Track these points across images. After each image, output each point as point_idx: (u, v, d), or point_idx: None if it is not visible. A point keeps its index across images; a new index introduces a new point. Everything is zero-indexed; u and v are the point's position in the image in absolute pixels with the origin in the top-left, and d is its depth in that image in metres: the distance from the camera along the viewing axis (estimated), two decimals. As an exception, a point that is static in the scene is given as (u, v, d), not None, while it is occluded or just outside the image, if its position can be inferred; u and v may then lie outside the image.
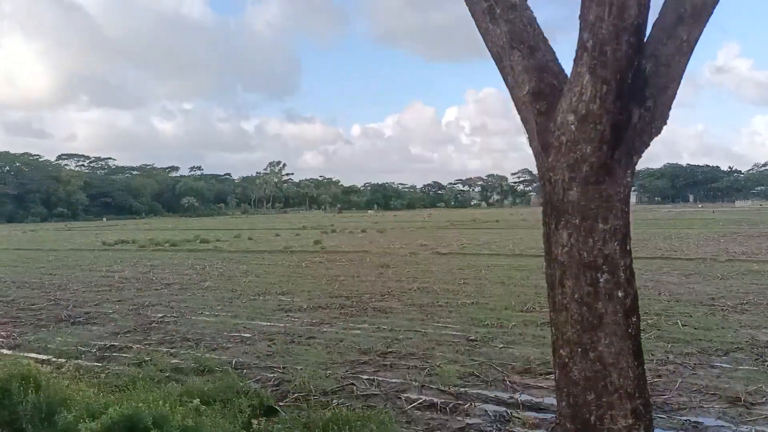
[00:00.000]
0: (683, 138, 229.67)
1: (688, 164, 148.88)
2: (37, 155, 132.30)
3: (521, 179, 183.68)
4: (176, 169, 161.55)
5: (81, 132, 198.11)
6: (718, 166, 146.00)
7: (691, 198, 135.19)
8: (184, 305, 11.58)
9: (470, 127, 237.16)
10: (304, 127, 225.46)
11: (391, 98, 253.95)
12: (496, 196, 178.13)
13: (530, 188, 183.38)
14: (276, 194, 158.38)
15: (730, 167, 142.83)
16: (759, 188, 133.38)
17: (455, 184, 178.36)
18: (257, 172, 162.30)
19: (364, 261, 19.38)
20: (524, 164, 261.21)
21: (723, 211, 74.42)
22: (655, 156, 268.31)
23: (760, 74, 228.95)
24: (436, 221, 58.66)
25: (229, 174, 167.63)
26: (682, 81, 3.07)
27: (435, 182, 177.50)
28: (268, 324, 9.53)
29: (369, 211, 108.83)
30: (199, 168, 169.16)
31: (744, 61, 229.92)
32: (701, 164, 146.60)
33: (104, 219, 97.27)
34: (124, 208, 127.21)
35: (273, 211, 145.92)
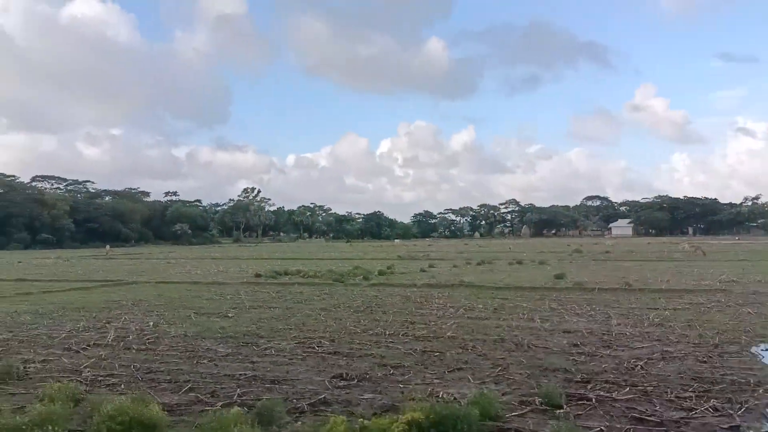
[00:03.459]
0: (607, 173, 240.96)
1: (686, 196, 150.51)
2: (13, 176, 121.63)
3: (509, 209, 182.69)
4: (147, 194, 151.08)
5: (1, 155, 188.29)
6: (716, 199, 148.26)
7: (690, 230, 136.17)
8: None
9: (403, 159, 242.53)
10: (237, 155, 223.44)
11: (325, 129, 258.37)
12: (485, 227, 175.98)
13: (518, 218, 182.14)
14: (263, 222, 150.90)
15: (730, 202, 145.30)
16: (761, 221, 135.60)
17: (446, 213, 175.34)
18: (230, 199, 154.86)
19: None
20: (456, 196, 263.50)
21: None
22: (579, 190, 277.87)
23: (676, 113, 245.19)
24: (518, 252, 54.64)
25: (199, 201, 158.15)
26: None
27: (426, 211, 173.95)
28: None
29: (396, 241, 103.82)
30: (175, 193, 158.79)
31: (660, 100, 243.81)
32: (699, 196, 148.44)
33: (108, 246, 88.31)
34: (111, 234, 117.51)
35: (267, 240, 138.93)
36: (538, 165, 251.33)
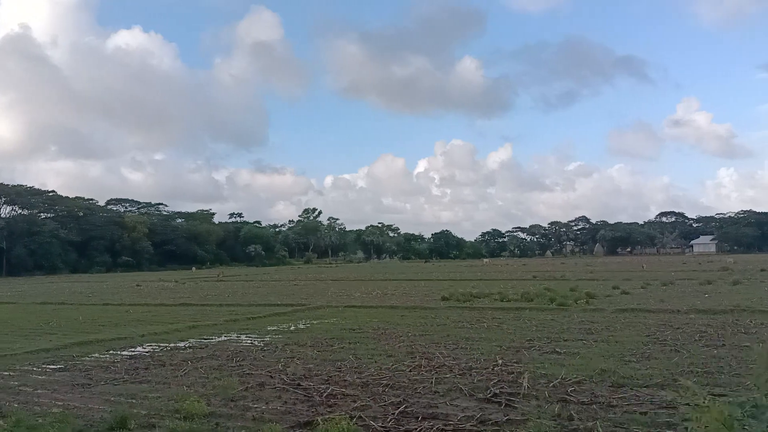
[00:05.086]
0: (649, 191, 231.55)
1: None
2: (92, 199, 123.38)
3: (578, 227, 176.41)
4: (212, 215, 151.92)
5: (51, 181, 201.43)
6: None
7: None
8: None
9: (440, 178, 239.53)
10: (275, 177, 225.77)
11: (362, 150, 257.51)
12: (555, 245, 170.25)
13: (589, 236, 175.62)
14: (333, 242, 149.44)
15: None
16: None
17: (514, 231, 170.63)
18: (290, 220, 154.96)
19: None
20: (494, 215, 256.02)
21: None
22: (622, 207, 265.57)
23: (720, 127, 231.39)
24: (651, 272, 50.57)
25: (258, 222, 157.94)
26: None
27: (494, 230, 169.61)
28: None
29: (485, 260, 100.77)
30: (240, 215, 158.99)
31: (703, 114, 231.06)
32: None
33: (193, 268, 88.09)
34: (187, 256, 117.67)
35: (337, 260, 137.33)
36: (578, 182, 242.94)
